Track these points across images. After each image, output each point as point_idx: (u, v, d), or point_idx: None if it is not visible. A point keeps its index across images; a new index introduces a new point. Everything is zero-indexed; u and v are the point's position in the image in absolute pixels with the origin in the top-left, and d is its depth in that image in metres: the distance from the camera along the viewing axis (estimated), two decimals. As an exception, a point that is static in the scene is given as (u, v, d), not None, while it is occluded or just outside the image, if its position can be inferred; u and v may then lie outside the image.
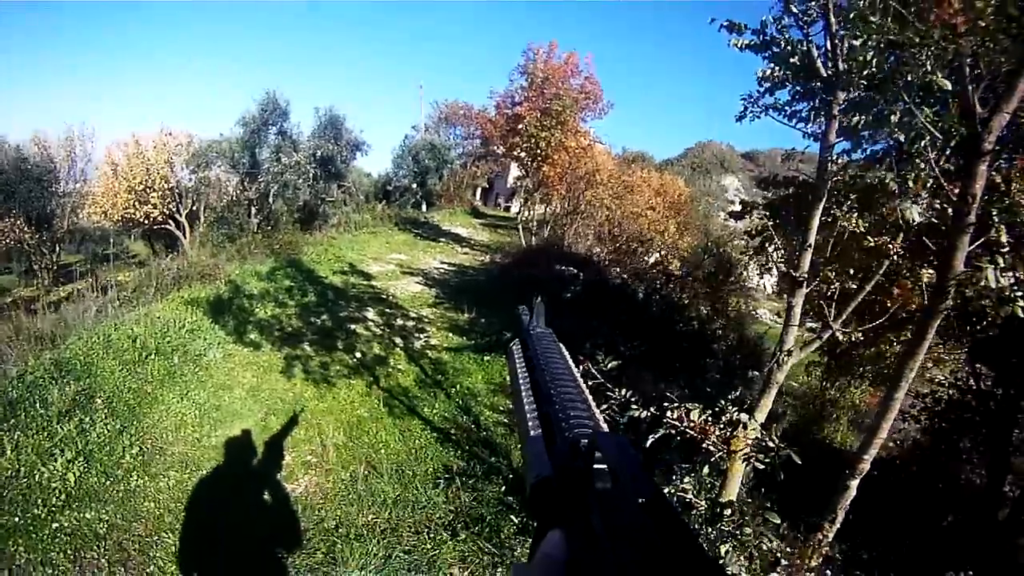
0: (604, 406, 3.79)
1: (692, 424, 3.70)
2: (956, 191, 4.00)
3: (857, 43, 4.06)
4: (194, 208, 19.42)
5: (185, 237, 18.77)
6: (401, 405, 8.26)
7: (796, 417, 12.35)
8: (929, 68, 3.72)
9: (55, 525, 5.09)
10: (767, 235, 7.22)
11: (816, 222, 4.79)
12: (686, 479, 3.97)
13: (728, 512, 3.59)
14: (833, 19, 4.21)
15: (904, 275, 5.37)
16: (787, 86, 4.81)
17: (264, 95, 17.68)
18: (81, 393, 6.94)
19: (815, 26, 4.51)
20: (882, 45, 3.88)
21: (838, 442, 10.98)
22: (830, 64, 4.32)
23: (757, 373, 13.44)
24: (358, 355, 9.66)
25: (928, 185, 4.45)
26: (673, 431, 3.70)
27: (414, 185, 25.54)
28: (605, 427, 0.80)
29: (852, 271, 5.78)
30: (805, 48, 4.53)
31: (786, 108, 5.21)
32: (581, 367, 3.68)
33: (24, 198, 17.90)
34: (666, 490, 3.85)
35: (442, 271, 16.02)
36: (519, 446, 0.99)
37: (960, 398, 8.72)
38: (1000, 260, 3.88)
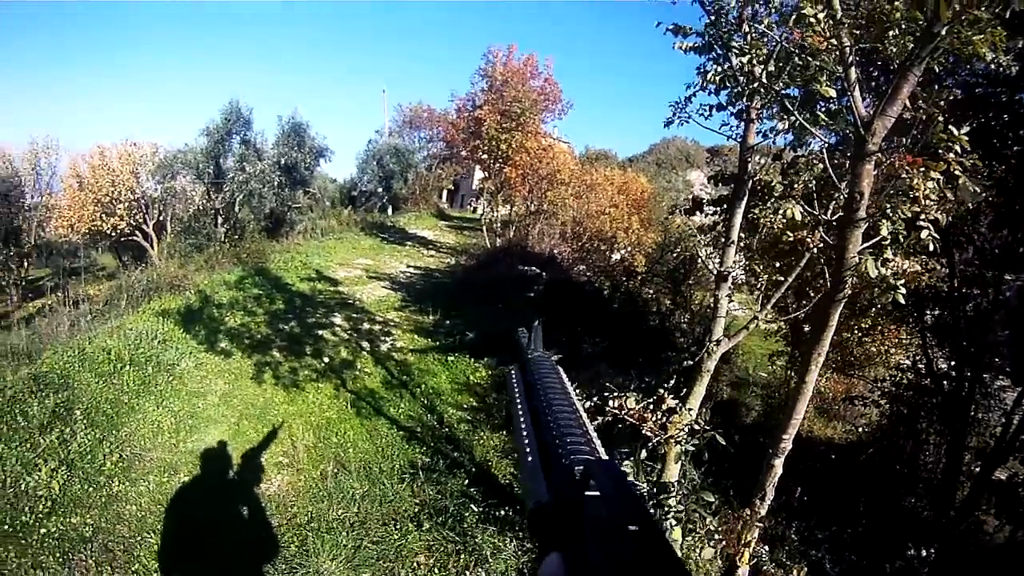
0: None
1: (631, 411, 4.02)
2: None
3: (747, 52, 4.48)
4: (161, 218, 19.59)
5: (153, 248, 18.95)
6: (368, 406, 8.74)
7: (763, 406, 12.94)
8: (815, 77, 4.15)
9: (43, 531, 5.53)
10: (717, 231, 7.83)
11: (738, 219, 5.28)
12: (625, 463, 4.11)
13: (666, 493, 3.94)
14: (747, 27, 4.63)
15: (819, 268, 5.64)
16: (727, 87, 5.13)
17: (227, 104, 17.96)
18: (60, 405, 7.33)
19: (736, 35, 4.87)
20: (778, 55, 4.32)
21: (803, 428, 11.52)
22: (746, 70, 4.63)
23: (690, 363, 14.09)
24: (326, 359, 10.12)
25: (820, 187, 4.98)
26: (612, 418, 4.01)
27: (379, 189, 25.86)
28: (602, 452, 0.83)
29: (776, 264, 6.27)
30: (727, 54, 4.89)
31: (714, 112, 5.61)
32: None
33: None
34: None
35: (408, 275, 16.49)
36: (514, 469, 1.24)
37: (918, 382, 9.12)
38: (887, 252, 4.27)
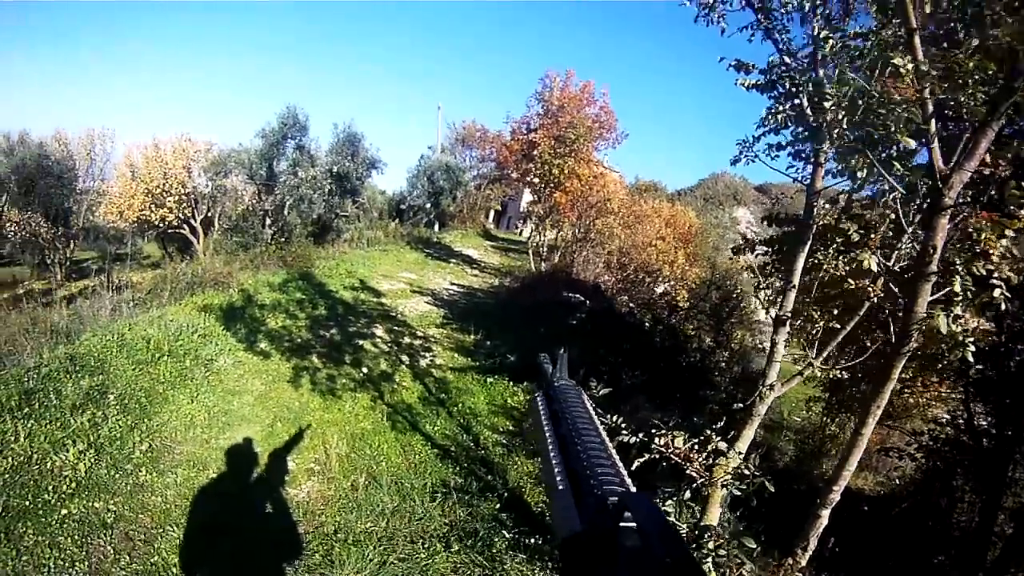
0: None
1: (677, 451, 3.89)
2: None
3: (830, 97, 4.16)
4: (209, 214, 19.77)
5: (199, 242, 19.10)
6: (404, 420, 8.46)
7: (796, 451, 12.46)
8: (895, 128, 3.84)
9: (64, 512, 5.30)
10: (767, 272, 7.56)
11: (800, 263, 5.01)
12: (668, 502, 4.08)
13: (707, 535, 3.69)
14: (821, 71, 4.45)
15: (883, 317, 5.47)
16: (789, 127, 4.87)
17: (284, 109, 18.06)
18: (94, 388, 7.18)
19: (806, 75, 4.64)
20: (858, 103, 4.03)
21: (826, 476, 11.10)
22: (817, 113, 4.41)
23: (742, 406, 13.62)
24: (364, 370, 9.88)
25: (889, 236, 4.69)
26: (659, 456, 3.88)
27: (428, 205, 25.83)
28: (630, 483, 0.83)
29: (835, 311, 5.99)
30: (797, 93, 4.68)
31: (777, 152, 5.35)
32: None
33: (44, 193, 18.31)
34: None
35: (451, 292, 16.28)
36: (545, 497, 1.11)
37: (956, 437, 8.83)
38: (956, 308, 4.06)
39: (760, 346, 17.57)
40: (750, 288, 17.14)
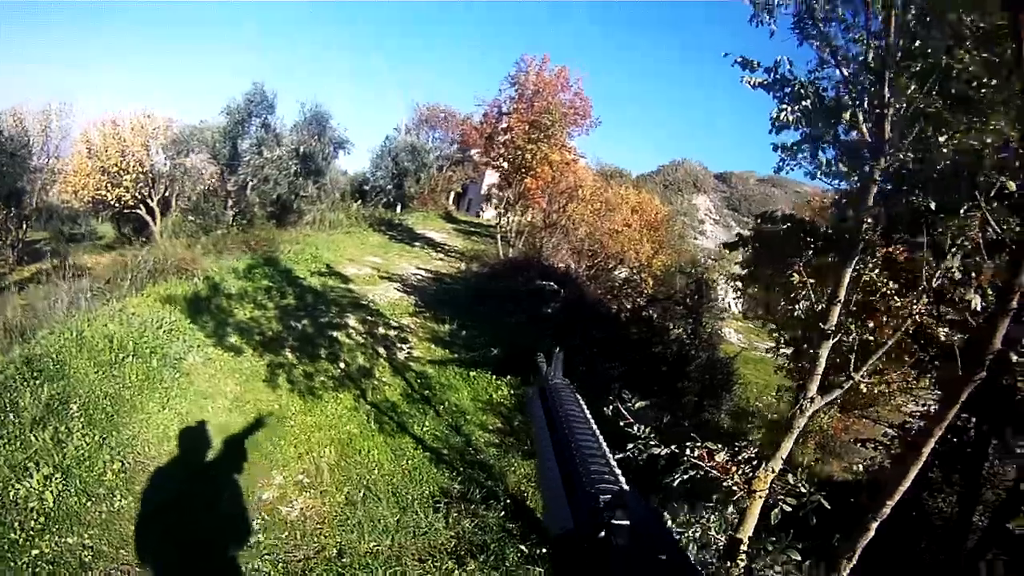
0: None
1: (715, 464, 3.85)
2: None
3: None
4: (167, 195, 18.57)
5: (155, 223, 17.93)
6: (391, 422, 7.93)
7: (767, 440, 12.40)
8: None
9: (35, 552, 4.62)
10: (751, 270, 8.10)
11: (847, 279, 4.72)
12: (710, 517, 4.07)
13: (743, 548, 3.83)
14: (887, 91, 3.99)
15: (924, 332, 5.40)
16: (799, 128, 4.64)
17: (251, 86, 16.86)
18: (55, 397, 6.41)
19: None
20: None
21: (803, 464, 10.97)
22: (874, 129, 4.13)
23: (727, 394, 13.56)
24: (342, 365, 9.26)
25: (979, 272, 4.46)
26: (694, 470, 3.84)
27: (390, 186, 24.87)
28: (623, 481, 0.80)
29: (872, 325, 5.82)
30: (849, 106, 4.28)
31: (809, 157, 5.05)
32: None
33: None
34: (690, 528, 3.98)
35: (419, 277, 15.63)
36: (541, 495, 1.02)
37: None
38: None
39: (721, 332, 17.55)
40: (716, 276, 17.17)
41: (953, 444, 8.37)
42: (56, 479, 5.38)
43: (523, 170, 17.35)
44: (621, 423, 3.86)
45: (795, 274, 5.58)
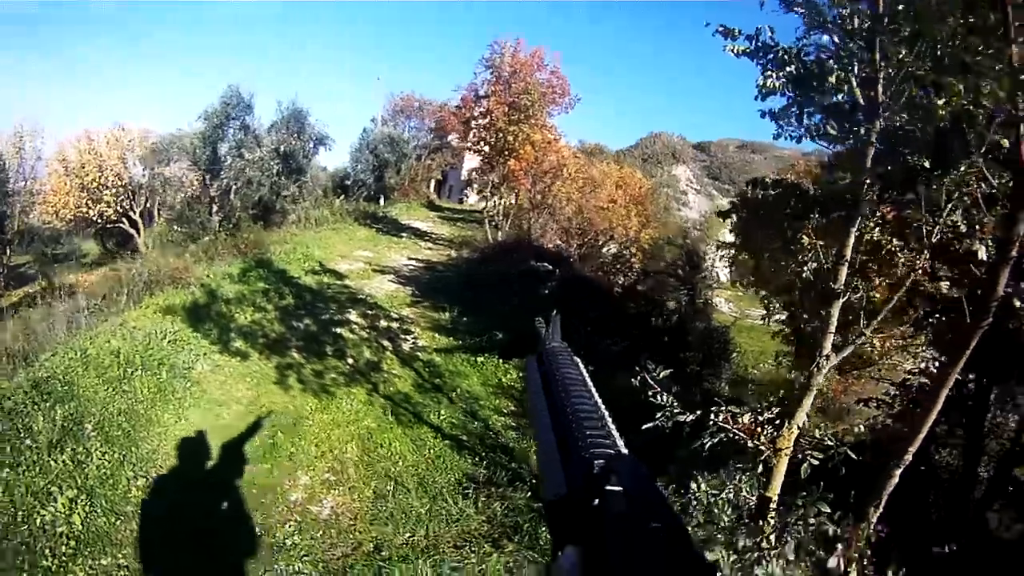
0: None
1: (741, 426, 4.00)
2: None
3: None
4: (148, 205, 18.16)
5: (139, 235, 17.56)
6: (407, 413, 7.85)
7: (766, 405, 12.43)
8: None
9: (70, 577, 4.48)
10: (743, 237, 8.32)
11: (852, 240, 4.81)
12: (741, 478, 4.15)
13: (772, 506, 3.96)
14: (877, 56, 4.02)
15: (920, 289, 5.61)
16: (785, 94, 4.65)
17: (227, 88, 16.36)
18: (68, 418, 6.24)
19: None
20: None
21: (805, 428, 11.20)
22: (868, 93, 4.15)
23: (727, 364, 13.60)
24: (350, 361, 9.14)
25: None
26: (721, 433, 4.01)
27: (371, 179, 24.44)
28: (622, 444, 0.77)
29: (876, 281, 5.87)
30: (838, 70, 4.25)
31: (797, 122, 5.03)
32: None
33: None
34: (724, 490, 4.12)
35: (412, 268, 15.44)
36: (537, 462, 1.00)
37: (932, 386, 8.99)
38: None
39: (713, 302, 17.57)
40: (705, 245, 17.16)
41: (954, 397, 8.51)
42: (81, 501, 5.24)
43: (506, 152, 17.17)
44: (650, 393, 3.98)
45: (804, 236, 5.62)
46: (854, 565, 4.33)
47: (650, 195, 20.16)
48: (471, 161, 25.91)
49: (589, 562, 0.55)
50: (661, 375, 4.11)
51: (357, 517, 5.79)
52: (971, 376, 8.22)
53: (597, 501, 0.60)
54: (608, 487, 0.60)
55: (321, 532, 5.53)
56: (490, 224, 18.40)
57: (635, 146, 42.91)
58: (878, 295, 5.74)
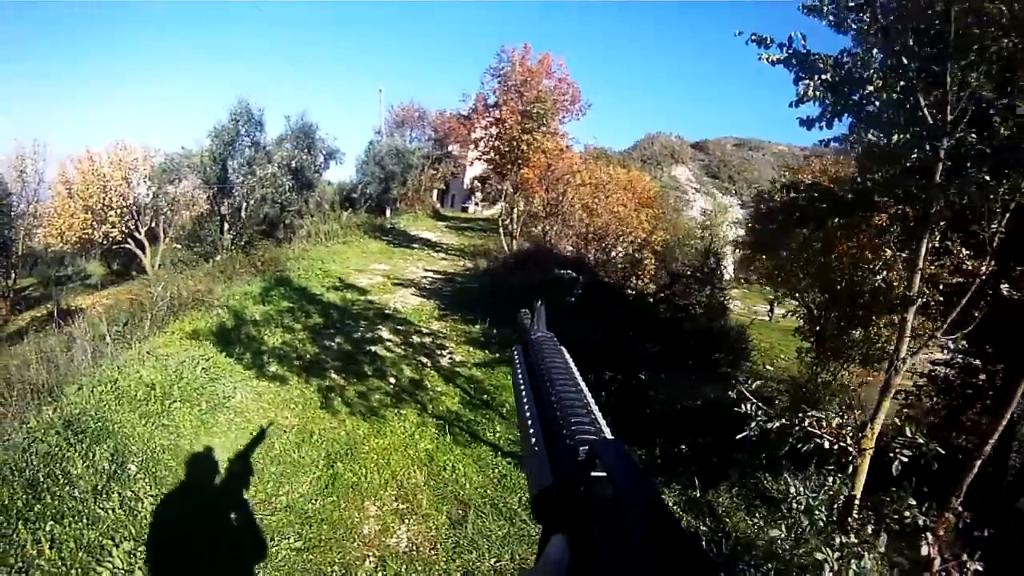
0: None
1: (828, 430, 4.06)
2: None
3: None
4: (153, 225, 17.41)
5: (145, 255, 16.79)
6: (461, 432, 7.27)
7: (788, 400, 12.07)
8: None
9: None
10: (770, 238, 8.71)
11: (924, 250, 4.90)
12: (829, 479, 4.36)
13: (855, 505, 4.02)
14: (949, 78, 3.92)
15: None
16: (826, 103, 4.51)
17: (236, 103, 15.62)
18: (109, 460, 5.55)
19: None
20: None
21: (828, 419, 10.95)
22: (936, 113, 4.10)
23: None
24: (391, 380, 8.50)
25: None
26: (808, 439, 4.06)
27: (378, 191, 23.76)
28: (607, 431, 0.76)
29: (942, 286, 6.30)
30: (908, 95, 4.16)
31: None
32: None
33: None
34: (822, 491, 4.30)
35: (431, 280, 14.81)
36: (521, 454, 0.91)
37: (964, 377, 8.90)
38: None
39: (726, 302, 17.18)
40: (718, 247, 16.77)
41: (983, 386, 8.46)
42: (140, 553, 4.56)
43: (519, 161, 16.65)
44: (741, 406, 4.11)
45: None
46: (944, 553, 4.42)
47: (659, 197, 19.68)
48: (473, 170, 25.29)
49: (576, 549, 0.54)
50: (754, 385, 4.31)
51: (437, 546, 5.20)
52: (1000, 365, 8.17)
53: (583, 487, 0.59)
54: (593, 473, 0.60)
55: (404, 566, 4.92)
56: (504, 233, 17.82)
57: (634, 148, 42.53)
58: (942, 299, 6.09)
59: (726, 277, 20.28)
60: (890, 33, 4.01)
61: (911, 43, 3.95)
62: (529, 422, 0.84)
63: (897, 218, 5.41)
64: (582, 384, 0.91)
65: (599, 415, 0.80)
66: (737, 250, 17.80)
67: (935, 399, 9.31)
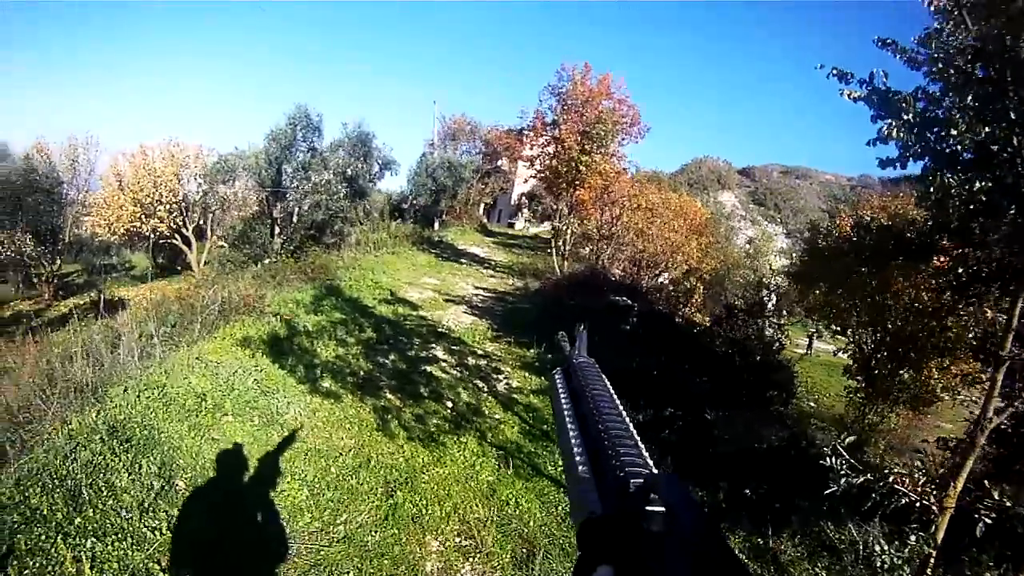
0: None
1: (913, 487, 3.98)
2: None
3: None
4: (201, 223, 17.28)
5: (191, 252, 16.62)
6: (522, 464, 6.66)
7: (837, 441, 11.34)
8: None
9: None
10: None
11: (1019, 307, 4.61)
12: (912, 538, 4.03)
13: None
14: None
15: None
16: (908, 142, 4.17)
17: (294, 108, 15.34)
18: (155, 474, 5.07)
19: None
20: None
21: (875, 464, 10.34)
22: None
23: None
24: (449, 404, 7.92)
25: None
26: (893, 495, 3.96)
27: (430, 203, 23.48)
28: (653, 465, 0.72)
29: None
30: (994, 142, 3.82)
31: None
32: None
33: (32, 210, 15.43)
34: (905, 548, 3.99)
35: (481, 298, 14.31)
36: (565, 481, 0.97)
37: (1018, 427, 8.10)
38: None
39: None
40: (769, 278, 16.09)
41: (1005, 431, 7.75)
42: (189, 582, 4.04)
43: (576, 182, 16.16)
44: (827, 460, 3.99)
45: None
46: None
47: (710, 224, 19.06)
48: (522, 186, 24.84)
49: None
50: (847, 441, 4.25)
51: (503, 587, 4.60)
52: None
53: (636, 521, 0.56)
54: (648, 507, 0.56)
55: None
56: (556, 253, 17.31)
57: (680, 171, 41.89)
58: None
59: (768, 307, 19.57)
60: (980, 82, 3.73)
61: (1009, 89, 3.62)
62: (576, 448, 0.81)
63: (960, 261, 5.23)
64: (624, 414, 0.86)
65: (643, 448, 0.76)
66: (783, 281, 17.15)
67: (986, 448, 8.75)
